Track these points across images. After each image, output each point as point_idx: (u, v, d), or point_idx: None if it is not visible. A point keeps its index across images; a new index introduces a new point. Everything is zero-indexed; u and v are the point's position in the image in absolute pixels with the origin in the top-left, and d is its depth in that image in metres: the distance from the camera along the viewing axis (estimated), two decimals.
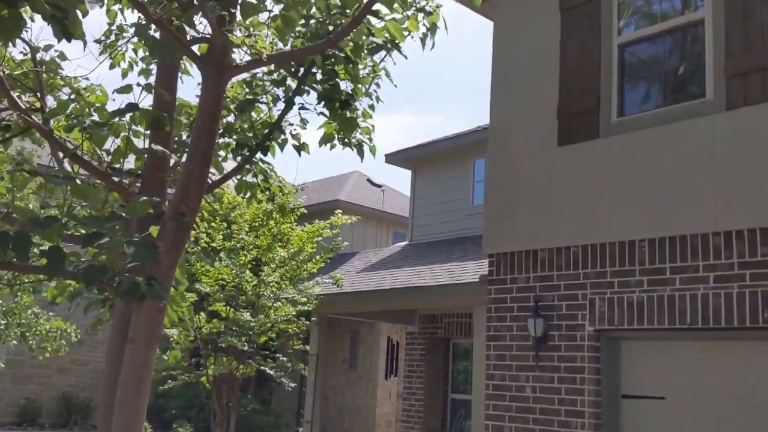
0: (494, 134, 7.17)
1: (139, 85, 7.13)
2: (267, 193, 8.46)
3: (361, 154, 8.01)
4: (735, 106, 5.47)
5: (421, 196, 13.36)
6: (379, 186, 21.34)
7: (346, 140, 7.97)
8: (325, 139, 7.80)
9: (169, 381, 9.54)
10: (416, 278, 10.09)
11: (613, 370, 6.05)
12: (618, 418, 5.99)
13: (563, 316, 6.22)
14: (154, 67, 7.41)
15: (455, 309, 11.29)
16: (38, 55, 6.71)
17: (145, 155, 6.45)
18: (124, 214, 5.87)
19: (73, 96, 6.22)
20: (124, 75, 7.63)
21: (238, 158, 6.90)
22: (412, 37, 6.75)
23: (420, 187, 13.40)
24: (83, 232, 5.41)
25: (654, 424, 5.80)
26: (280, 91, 7.11)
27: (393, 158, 13.66)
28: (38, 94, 6.78)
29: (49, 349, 11.03)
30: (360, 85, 7.15)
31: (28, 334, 10.59)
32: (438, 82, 60.13)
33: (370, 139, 8.16)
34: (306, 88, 6.86)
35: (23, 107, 6.09)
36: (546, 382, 6.23)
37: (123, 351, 5.84)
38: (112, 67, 7.77)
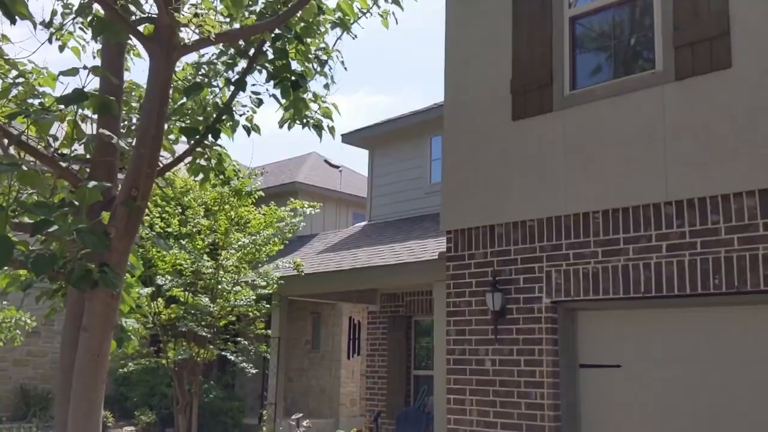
0: (449, 111, 7.17)
1: (85, 67, 6.95)
2: (221, 177, 8.36)
3: (319, 134, 7.94)
4: (684, 77, 5.55)
5: (378, 175, 13.34)
6: (337, 167, 21.24)
7: (305, 121, 7.92)
8: (284, 121, 7.72)
9: (129, 363, 9.42)
10: (376, 257, 10.09)
11: (570, 340, 6.15)
12: (576, 387, 6.10)
13: (521, 290, 6.29)
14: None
15: (416, 287, 11.35)
16: None
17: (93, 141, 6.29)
18: (73, 201, 5.74)
19: (19, 80, 6.03)
20: (77, 54, 7.42)
21: (191, 141, 6.79)
22: (366, 16, 6.70)
23: (377, 167, 13.37)
24: (31, 220, 5.28)
25: (611, 392, 5.92)
26: (232, 74, 7.00)
27: (350, 138, 13.59)
28: None
29: (3, 339, 10.77)
30: (311, 65, 7.09)
31: None
32: (394, 63, 60.02)
33: (330, 119, 8.10)
34: (257, 67, 6.76)
35: None
36: (505, 355, 6.31)
37: (77, 340, 5.73)
38: (61, 49, 7.54)
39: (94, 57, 6.99)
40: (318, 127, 7.97)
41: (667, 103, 5.63)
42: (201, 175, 8.05)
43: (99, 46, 7.18)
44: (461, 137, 7.04)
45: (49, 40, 7.29)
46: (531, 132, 6.46)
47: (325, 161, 21.66)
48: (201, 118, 6.47)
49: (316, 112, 7.87)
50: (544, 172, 6.30)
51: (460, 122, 7.07)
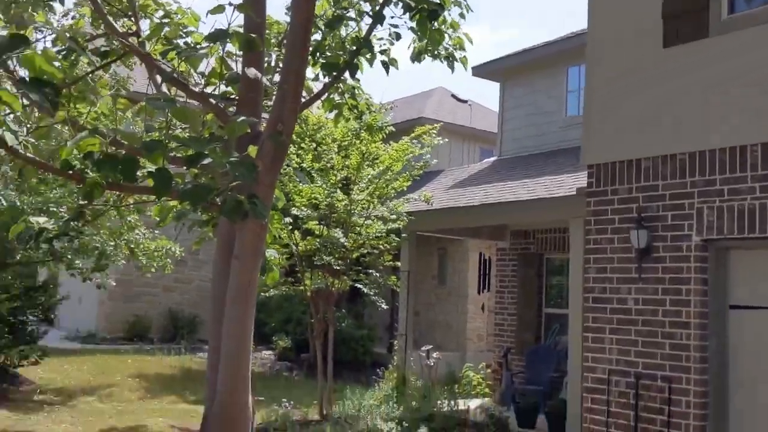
0: (593, 39, 6.82)
1: (230, 4, 7.12)
2: (354, 111, 8.43)
3: (452, 66, 7.83)
4: None
5: (509, 109, 13.01)
6: (465, 101, 20.94)
7: (435, 53, 7.80)
8: (417, 54, 7.64)
9: (271, 290, 9.93)
10: (508, 193, 9.94)
11: (721, 280, 5.86)
12: (725, 329, 5.83)
13: (668, 227, 6.02)
14: None
15: (548, 224, 11.13)
16: None
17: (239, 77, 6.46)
18: (222, 136, 5.98)
19: (165, 20, 6.27)
20: None
21: (326, 78, 6.86)
22: None
23: (509, 100, 13.04)
24: (184, 154, 5.55)
25: (763, 334, 5.62)
26: (366, 6, 6.98)
27: (480, 71, 13.28)
28: (132, 18, 6.87)
29: (156, 267, 11.57)
30: None
31: (137, 250, 11.12)
32: None
33: (463, 50, 7.95)
34: None
35: (120, 31, 6.19)
36: (649, 294, 6.10)
37: (228, 268, 6.05)
38: None
39: (206, 15, 7.19)
40: (450, 59, 7.84)
41: None
42: (335, 111, 8.18)
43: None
44: (605, 66, 6.71)
45: None
46: (684, 60, 6.06)
47: (452, 96, 21.40)
48: (341, 52, 6.51)
49: (447, 43, 7.73)
50: (697, 103, 5.91)
51: (605, 50, 6.73)
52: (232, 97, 6.85)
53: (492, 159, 13.79)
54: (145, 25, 6.73)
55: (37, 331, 10.57)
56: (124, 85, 10.00)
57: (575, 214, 8.55)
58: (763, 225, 5.40)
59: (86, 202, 6.63)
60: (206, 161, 4.78)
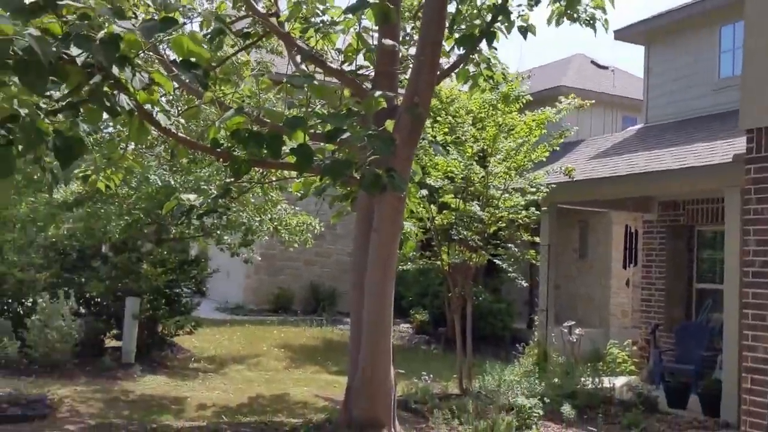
0: None
1: None
2: (490, 81, 8.23)
3: (593, 28, 7.48)
4: None
5: (656, 74, 12.27)
6: (606, 67, 20.02)
7: (575, 15, 7.47)
8: (555, 16, 7.34)
9: (408, 264, 9.99)
10: (656, 162, 9.39)
11: None
12: None
13: None
14: None
15: (700, 194, 10.46)
16: None
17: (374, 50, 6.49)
18: (360, 111, 6.02)
19: (300, 2, 6.37)
20: None
21: (461, 49, 6.73)
22: None
23: (655, 64, 12.29)
24: (322, 130, 5.64)
25: None
26: None
27: (623, 34, 12.60)
28: (265, 3, 7.03)
29: (298, 241, 11.97)
30: None
31: (279, 227, 11.54)
32: None
33: (603, 11, 7.58)
34: None
35: (261, 10, 6.36)
36: None
37: (368, 240, 6.14)
38: None
39: None
40: (591, 22, 7.48)
41: None
42: (470, 82, 8.02)
43: None
44: (765, 19, 6.13)
45: None
46: None
47: (592, 62, 20.52)
48: (478, 22, 6.37)
49: (587, 4, 7.36)
50: None
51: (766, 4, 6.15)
52: (368, 72, 6.88)
53: (637, 127, 13.11)
54: (282, 5, 6.89)
55: (191, 302, 11.23)
56: (266, 67, 10.33)
57: (731, 183, 7.97)
58: None
59: (234, 179, 6.96)
60: (344, 136, 4.84)
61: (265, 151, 4.92)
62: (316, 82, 5.13)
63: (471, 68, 7.52)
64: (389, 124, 5.70)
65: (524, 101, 9.45)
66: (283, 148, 5.07)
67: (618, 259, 15.14)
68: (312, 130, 5.85)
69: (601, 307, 15.23)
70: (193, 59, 3.96)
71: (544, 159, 9.73)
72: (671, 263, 11.29)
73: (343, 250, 18.67)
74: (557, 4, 7.09)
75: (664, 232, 11.34)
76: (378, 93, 5.43)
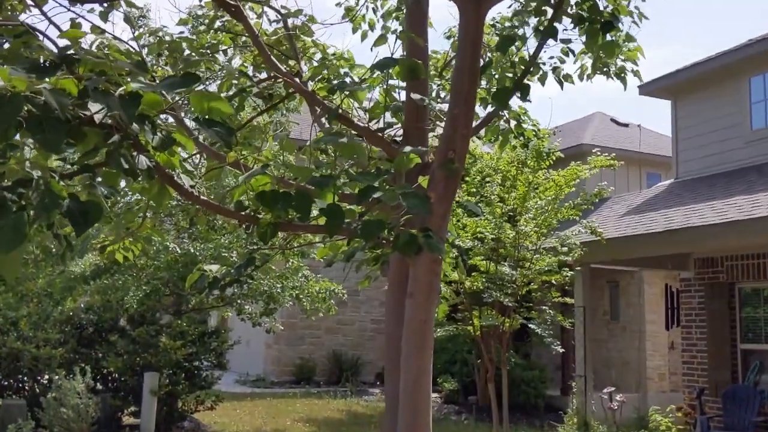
0: None
1: (394, 32, 6.92)
2: (521, 138, 7.98)
3: (623, 82, 7.23)
4: None
5: (684, 127, 11.99)
6: (626, 125, 19.85)
7: (605, 69, 7.25)
8: (587, 71, 7.12)
9: (437, 329, 9.54)
10: (695, 218, 9.01)
11: None
12: None
13: None
14: (393, 26, 7.31)
15: (739, 249, 10.02)
16: (289, 21, 6.81)
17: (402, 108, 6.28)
18: (390, 169, 5.71)
19: (324, 62, 6.20)
20: (364, 37, 7.61)
21: (491, 106, 6.48)
22: None
23: (682, 118, 12.02)
24: (350, 190, 5.35)
25: None
26: (528, 26, 6.59)
27: (648, 88, 12.39)
28: (293, 60, 6.87)
29: (322, 309, 11.59)
30: (623, 1, 6.41)
31: (301, 296, 11.19)
32: (673, 11, 55.08)
33: (635, 64, 7.34)
34: (563, 12, 6.23)
35: (284, 71, 6.16)
36: None
37: (401, 306, 5.74)
38: (354, 30, 7.74)
39: (371, 49, 7.12)
40: (621, 75, 7.24)
41: None
42: (499, 139, 7.74)
43: (383, 26, 7.30)
44: None
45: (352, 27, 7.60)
46: None
47: (612, 120, 20.36)
48: (510, 75, 6.13)
49: (619, 57, 7.14)
50: None
51: None
52: (396, 129, 6.63)
53: (667, 182, 12.76)
54: (304, 68, 6.72)
55: (212, 376, 10.81)
56: (287, 129, 10.19)
57: None
58: None
59: (259, 244, 6.63)
60: (377, 195, 4.52)
61: (294, 213, 4.59)
62: (345, 140, 4.84)
63: (501, 124, 7.28)
64: (423, 181, 5.38)
65: (555, 157, 9.18)
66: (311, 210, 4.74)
67: (652, 320, 14.58)
68: (341, 191, 5.54)
69: (637, 371, 14.58)
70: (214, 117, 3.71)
71: (577, 218, 9.38)
72: (712, 323, 10.76)
73: (365, 317, 18.21)
74: (588, 60, 6.87)
75: (703, 290, 10.86)
76: (410, 148, 5.10)
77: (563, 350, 12.10)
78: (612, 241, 9.99)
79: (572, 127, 20.20)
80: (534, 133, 8.30)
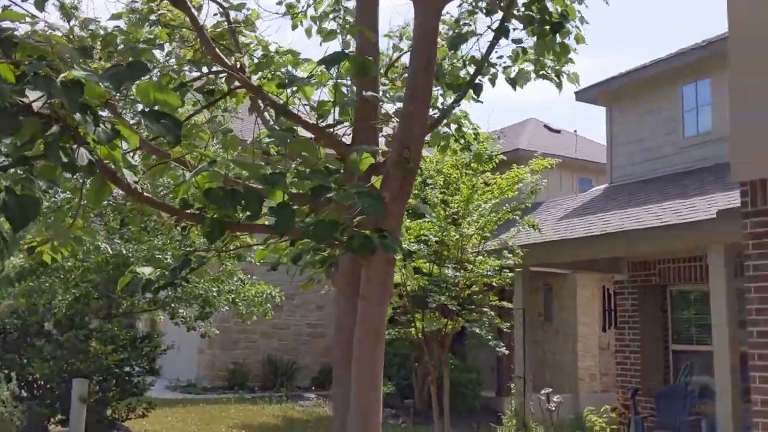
0: (737, 42, 6.15)
1: (345, 28, 6.77)
2: (462, 141, 7.95)
3: (559, 85, 7.29)
4: None
5: (620, 133, 12.26)
6: (558, 131, 20.25)
7: (542, 72, 7.28)
8: (522, 75, 7.13)
9: None
10: (631, 221, 9.18)
11: None
12: None
13: None
14: (334, 26, 7.17)
15: (671, 253, 10.28)
16: (232, 15, 6.58)
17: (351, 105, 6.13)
18: (340, 169, 5.56)
19: (269, 57, 6.02)
20: (309, 34, 7.43)
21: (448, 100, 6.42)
22: None
23: (618, 124, 12.30)
24: (298, 190, 5.18)
25: None
26: (480, 25, 6.55)
27: (584, 95, 12.63)
28: (236, 56, 6.64)
29: (257, 313, 11.31)
30: (572, 3, 6.43)
31: (237, 300, 10.89)
32: (604, 20, 56.81)
33: (568, 70, 7.40)
34: (514, 13, 6.22)
35: (230, 64, 5.93)
36: None
37: (352, 309, 5.59)
38: (294, 27, 7.54)
39: (321, 44, 7.00)
40: (559, 78, 7.29)
41: None
42: (442, 144, 7.69)
43: (331, 26, 7.16)
44: (753, 72, 6.01)
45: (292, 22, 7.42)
46: None
47: (545, 126, 20.73)
48: (462, 74, 6.08)
49: (552, 60, 7.18)
50: None
51: (752, 54, 6.03)
52: (343, 128, 6.48)
53: (602, 187, 13.02)
54: (247, 63, 6.50)
55: (143, 382, 10.39)
56: (229, 127, 9.88)
57: (715, 239, 7.76)
58: None
59: (195, 246, 6.34)
60: (330, 194, 4.38)
61: (242, 212, 4.38)
62: (295, 137, 4.67)
63: (442, 128, 7.25)
64: (376, 181, 5.24)
65: (498, 160, 9.21)
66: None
67: (584, 322, 14.87)
68: (292, 190, 5.34)
69: (570, 372, 14.82)
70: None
71: (517, 218, 9.44)
72: (644, 325, 11.02)
73: (301, 321, 17.96)
74: (529, 64, 6.88)
75: (636, 293, 11.11)
76: (364, 147, 4.96)
77: (501, 354, 12.20)
78: (551, 244, 10.10)
79: (507, 133, 20.42)
80: (474, 136, 8.29)
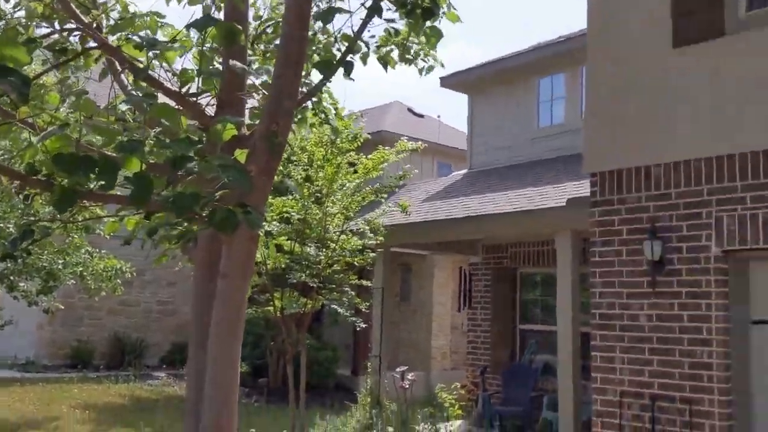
0: (594, 38, 6.47)
1: None
2: (321, 116, 7.90)
3: (428, 71, 7.37)
4: None
5: (480, 121, 12.66)
6: (422, 115, 20.63)
7: (407, 56, 7.35)
8: (385, 57, 7.16)
9: None
10: (491, 206, 9.51)
11: (742, 294, 5.51)
12: (748, 346, 5.47)
13: (684, 238, 5.66)
14: None
15: (522, 237, 10.77)
16: None
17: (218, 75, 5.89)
18: (201, 139, 5.34)
19: (131, 16, 5.65)
20: None
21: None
22: None
23: (478, 112, 12.69)
24: (157, 159, 4.92)
25: None
26: (354, 3, 6.47)
27: (448, 81, 12.91)
28: (93, 12, 6.20)
29: (106, 288, 10.73)
30: None
31: (85, 273, 10.27)
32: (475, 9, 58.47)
33: (433, 55, 7.50)
34: None
35: (87, 22, 5.51)
36: (665, 310, 5.72)
37: (210, 288, 5.40)
38: None
39: (184, 6, 6.68)
40: (426, 63, 7.38)
41: None
42: (298, 116, 7.58)
43: None
44: (608, 68, 6.36)
45: None
46: (697, 60, 5.74)
47: (409, 110, 21.06)
48: (334, 48, 5.98)
49: (417, 46, 7.27)
50: (713, 105, 5.59)
51: (608, 51, 6.38)
52: (207, 98, 6.23)
53: (462, 172, 13.40)
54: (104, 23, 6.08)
55: None
56: (82, 89, 9.21)
57: (564, 226, 8.19)
58: None
59: (38, 216, 5.89)
60: (191, 165, 4.17)
61: (95, 181, 4.09)
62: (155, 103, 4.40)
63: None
64: (240, 155, 5.06)
65: (362, 139, 9.21)
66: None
67: (440, 302, 15.32)
68: (151, 160, 5.05)
69: (424, 350, 15.25)
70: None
71: (383, 200, 9.51)
72: (496, 305, 11.50)
73: (151, 298, 17.28)
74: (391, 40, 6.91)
75: (489, 274, 11.56)
76: (228, 118, 4.77)
77: (360, 328, 12.31)
78: (413, 225, 10.28)
79: (372, 114, 20.56)
80: (334, 111, 8.24)
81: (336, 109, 8.24)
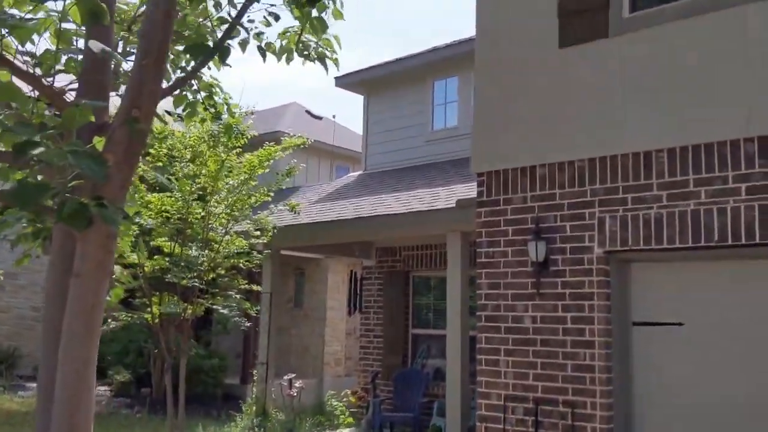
0: (483, 38, 6.38)
1: None
2: (211, 110, 7.51)
3: (325, 66, 7.13)
4: None
5: (375, 122, 12.50)
6: (320, 117, 20.35)
7: (306, 52, 7.09)
8: (284, 51, 6.88)
9: (110, 321, 8.56)
10: (382, 207, 9.33)
11: (624, 295, 5.51)
12: (629, 347, 5.48)
13: (567, 238, 5.61)
14: None
15: (415, 240, 10.66)
16: None
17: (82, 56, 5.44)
18: (55, 125, 4.85)
19: None
20: None
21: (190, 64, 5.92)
22: None
23: (374, 113, 12.52)
24: (3, 147, 4.42)
25: (669, 353, 5.31)
26: None
27: (344, 81, 12.69)
28: None
29: None
30: None
31: None
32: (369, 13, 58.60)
33: (333, 52, 7.29)
34: None
35: None
36: (548, 311, 5.65)
37: (64, 287, 4.90)
38: None
39: None
40: (322, 59, 7.15)
41: (750, 26, 4.92)
42: (188, 110, 7.18)
43: None
44: (496, 68, 6.28)
45: None
46: (581, 61, 5.72)
47: (307, 111, 20.73)
48: (208, 32, 5.62)
49: (317, 42, 7.04)
50: (597, 107, 5.58)
51: (496, 51, 6.29)
52: (71, 84, 5.72)
53: (356, 174, 13.19)
54: None
55: None
56: None
57: (453, 228, 8.09)
58: (671, 234, 5.10)
59: None
60: (38, 151, 3.72)
61: None
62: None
63: (190, 95, 6.75)
64: (98, 142, 4.59)
65: (250, 136, 8.82)
66: None
67: (333, 307, 15.04)
68: None
69: (315, 356, 14.92)
70: None
71: (269, 199, 9.15)
72: (389, 309, 11.33)
73: (25, 304, 16.17)
74: (289, 34, 6.62)
75: (382, 278, 11.39)
76: (87, 102, 4.32)
77: (247, 336, 11.87)
78: (302, 227, 9.96)
79: (268, 115, 20.11)
80: (227, 106, 7.85)
81: (228, 105, 7.83)
